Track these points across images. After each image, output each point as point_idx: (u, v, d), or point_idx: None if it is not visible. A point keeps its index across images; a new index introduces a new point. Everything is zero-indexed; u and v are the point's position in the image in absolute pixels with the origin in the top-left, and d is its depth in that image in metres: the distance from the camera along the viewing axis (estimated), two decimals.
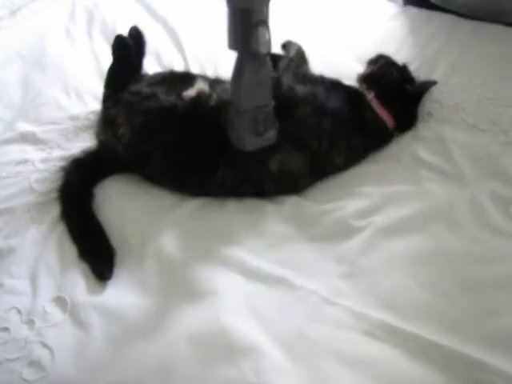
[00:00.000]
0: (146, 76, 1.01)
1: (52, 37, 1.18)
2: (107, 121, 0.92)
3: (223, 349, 0.69)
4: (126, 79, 0.96)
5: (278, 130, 0.83)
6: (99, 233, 0.82)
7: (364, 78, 0.97)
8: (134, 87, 0.93)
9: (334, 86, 0.95)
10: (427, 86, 0.98)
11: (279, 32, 1.07)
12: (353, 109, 0.92)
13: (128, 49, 0.98)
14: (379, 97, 0.93)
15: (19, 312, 0.74)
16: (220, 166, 0.85)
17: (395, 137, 0.95)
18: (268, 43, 0.76)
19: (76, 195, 0.87)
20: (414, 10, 1.25)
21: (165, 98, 0.88)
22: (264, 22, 0.73)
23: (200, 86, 0.91)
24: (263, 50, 0.75)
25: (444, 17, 1.20)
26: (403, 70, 0.98)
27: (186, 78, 0.95)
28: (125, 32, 1.02)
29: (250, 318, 0.72)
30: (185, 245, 0.81)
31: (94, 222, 0.84)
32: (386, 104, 0.93)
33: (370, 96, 0.93)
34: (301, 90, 0.91)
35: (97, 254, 0.81)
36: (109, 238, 0.82)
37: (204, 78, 0.95)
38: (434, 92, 1.01)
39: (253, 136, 0.81)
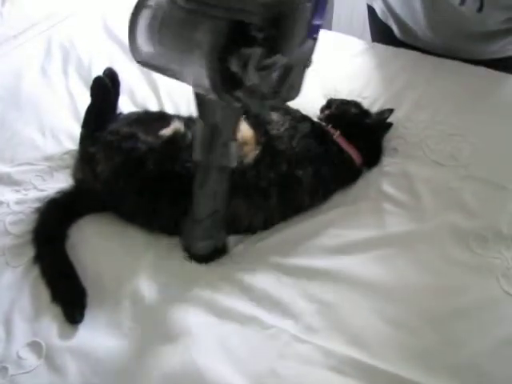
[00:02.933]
0: (122, 115, 1.03)
1: (27, 76, 1.19)
2: (85, 159, 0.94)
3: None
4: (104, 119, 0.99)
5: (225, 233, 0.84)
6: (71, 275, 0.83)
7: (326, 119, 1.01)
8: (112, 126, 0.95)
9: (302, 121, 0.99)
10: (385, 115, 1.03)
11: None
12: (320, 146, 0.96)
13: (106, 90, 1.02)
14: (344, 134, 0.98)
15: None
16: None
17: (362, 173, 1.00)
18: (235, 158, 0.74)
19: (50, 237, 0.88)
20: (381, 47, 1.31)
21: (144, 137, 0.90)
22: (233, 139, 0.72)
23: (176, 125, 0.94)
24: (231, 165, 0.74)
25: (410, 53, 1.26)
26: (358, 106, 1.03)
27: (162, 118, 0.98)
28: (100, 71, 1.05)
29: (223, 358, 0.74)
30: (159, 286, 0.82)
31: (67, 264, 0.84)
32: (351, 140, 0.98)
33: (336, 134, 0.98)
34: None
35: (68, 296, 0.81)
36: (81, 280, 0.82)
37: (179, 117, 0.98)
38: (399, 128, 1.06)
39: (206, 240, 0.83)
